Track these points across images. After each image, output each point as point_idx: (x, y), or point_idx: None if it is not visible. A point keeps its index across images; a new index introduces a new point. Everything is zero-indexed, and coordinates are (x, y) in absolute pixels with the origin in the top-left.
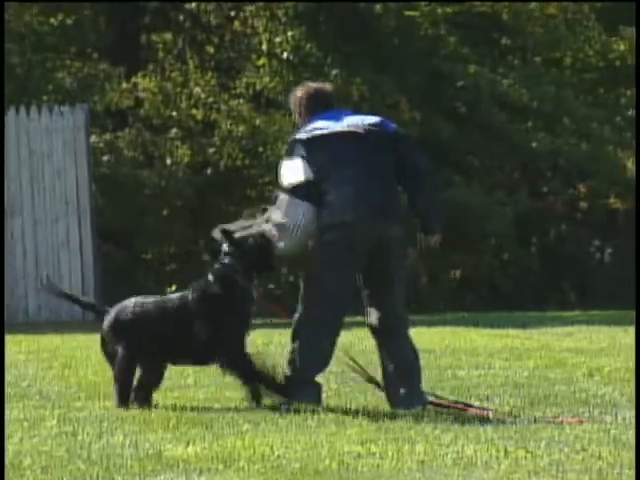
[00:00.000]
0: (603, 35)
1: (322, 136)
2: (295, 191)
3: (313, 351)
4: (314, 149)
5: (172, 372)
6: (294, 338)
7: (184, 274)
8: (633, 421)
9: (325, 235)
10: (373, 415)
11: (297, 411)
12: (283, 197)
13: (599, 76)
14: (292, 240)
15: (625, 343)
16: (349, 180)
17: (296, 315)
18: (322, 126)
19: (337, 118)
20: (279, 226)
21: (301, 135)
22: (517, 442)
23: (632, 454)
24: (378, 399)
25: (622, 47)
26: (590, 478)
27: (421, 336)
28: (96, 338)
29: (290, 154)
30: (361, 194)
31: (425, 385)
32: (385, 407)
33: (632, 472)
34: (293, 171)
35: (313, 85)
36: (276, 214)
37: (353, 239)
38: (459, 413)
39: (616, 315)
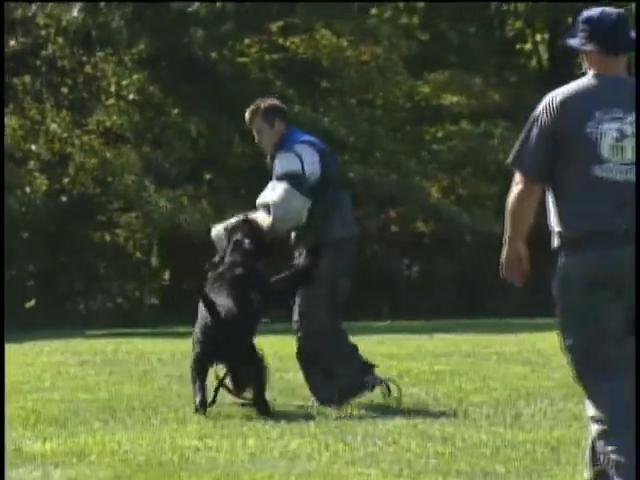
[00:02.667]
0: (410, 79)
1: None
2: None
3: None
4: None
5: (30, 376)
6: None
7: (42, 290)
8: (439, 417)
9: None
10: (210, 413)
11: (143, 410)
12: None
13: (406, 115)
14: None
15: (429, 349)
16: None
17: None
18: None
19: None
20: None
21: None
22: (336, 436)
23: (437, 446)
24: (218, 399)
25: (426, 90)
26: (400, 467)
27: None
28: None
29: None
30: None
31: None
32: (221, 407)
33: (436, 461)
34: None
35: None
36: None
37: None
38: (284, 411)
39: (422, 325)
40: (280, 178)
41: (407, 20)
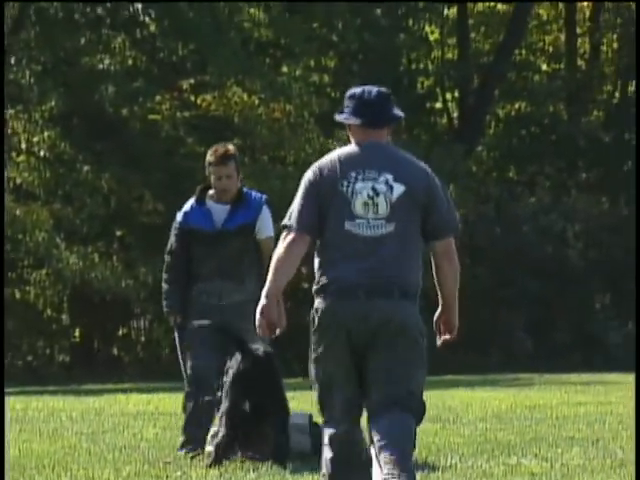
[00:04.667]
0: (321, 137)
1: None
2: None
3: None
4: None
5: None
6: None
7: None
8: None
9: None
10: (119, 471)
11: (52, 468)
12: None
13: None
14: None
15: None
16: None
17: None
18: None
19: None
20: None
21: None
22: None
23: None
24: (125, 458)
25: (337, 147)
26: None
27: (165, 401)
28: None
29: None
30: None
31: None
32: (130, 464)
33: None
34: None
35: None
36: None
37: None
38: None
39: None
40: (271, 236)
41: (318, 78)
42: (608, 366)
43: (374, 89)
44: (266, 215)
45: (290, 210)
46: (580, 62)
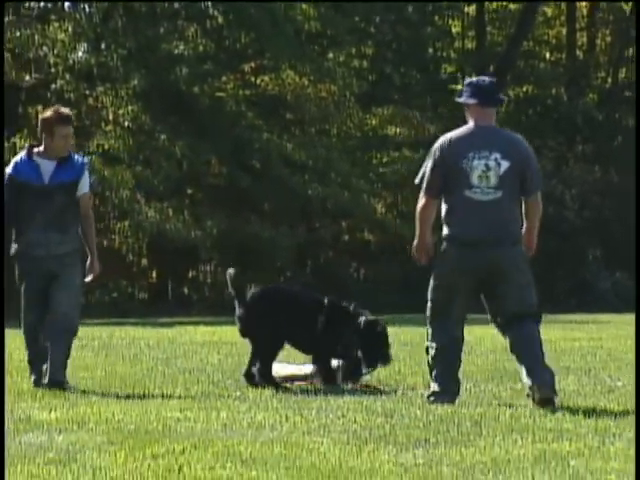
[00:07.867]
0: (360, 112)
1: None
2: None
3: None
4: None
5: None
6: None
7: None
8: (381, 395)
9: None
10: (189, 390)
11: (133, 386)
12: None
13: (357, 143)
14: None
15: None
16: None
17: None
18: None
19: None
20: None
21: None
22: (295, 410)
23: (379, 419)
24: (193, 379)
25: (374, 122)
26: (348, 437)
27: (228, 332)
28: None
29: None
30: None
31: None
32: (198, 384)
33: (378, 432)
34: None
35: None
36: None
37: None
38: (251, 389)
39: None
40: (87, 193)
41: (358, 63)
42: (599, 308)
43: (487, 79)
44: (86, 176)
45: (421, 173)
46: (578, 52)
